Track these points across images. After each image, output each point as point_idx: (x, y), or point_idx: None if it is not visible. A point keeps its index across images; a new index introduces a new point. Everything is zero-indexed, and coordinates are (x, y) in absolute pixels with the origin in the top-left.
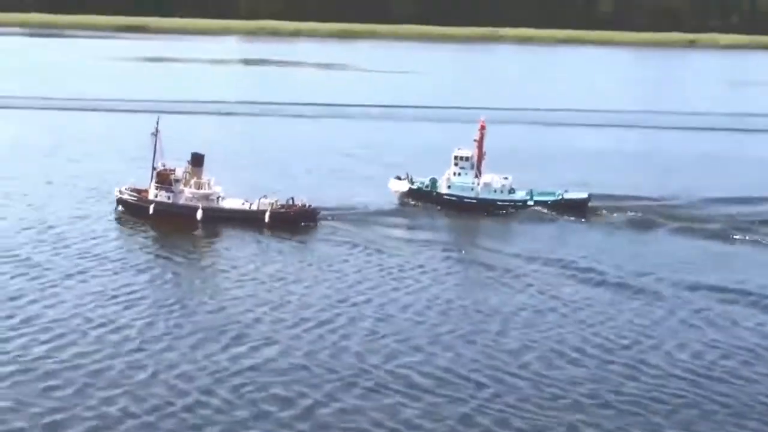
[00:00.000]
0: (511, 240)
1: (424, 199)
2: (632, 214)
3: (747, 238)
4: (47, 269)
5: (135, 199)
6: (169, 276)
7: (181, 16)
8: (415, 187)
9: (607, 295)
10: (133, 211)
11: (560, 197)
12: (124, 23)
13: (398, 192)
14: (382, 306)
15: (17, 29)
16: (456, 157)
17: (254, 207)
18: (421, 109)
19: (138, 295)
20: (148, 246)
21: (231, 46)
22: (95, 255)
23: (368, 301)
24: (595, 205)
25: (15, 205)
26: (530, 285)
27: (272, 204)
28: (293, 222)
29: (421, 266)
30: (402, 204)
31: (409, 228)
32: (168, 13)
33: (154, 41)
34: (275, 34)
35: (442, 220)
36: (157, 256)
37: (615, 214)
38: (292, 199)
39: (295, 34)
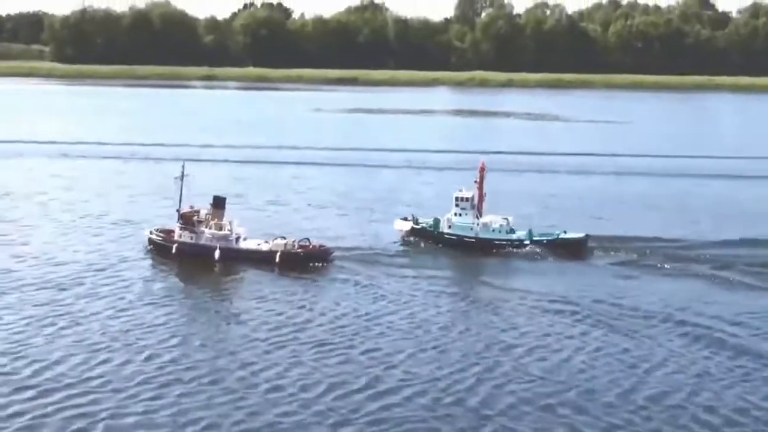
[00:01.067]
0: (507, 279)
1: (426, 238)
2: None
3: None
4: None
5: (161, 238)
6: (196, 314)
7: (392, 68)
8: (418, 227)
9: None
10: (158, 250)
11: (557, 237)
12: (335, 76)
13: (402, 231)
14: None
15: (234, 83)
16: (457, 198)
17: (268, 247)
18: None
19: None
20: (170, 284)
21: (441, 97)
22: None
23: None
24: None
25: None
26: (521, 322)
27: (286, 244)
28: (304, 262)
29: (419, 303)
30: (406, 243)
31: (414, 266)
32: (379, 66)
33: (363, 93)
34: (485, 84)
35: (444, 259)
36: (175, 293)
37: (612, 253)
38: (308, 239)
39: (506, 84)
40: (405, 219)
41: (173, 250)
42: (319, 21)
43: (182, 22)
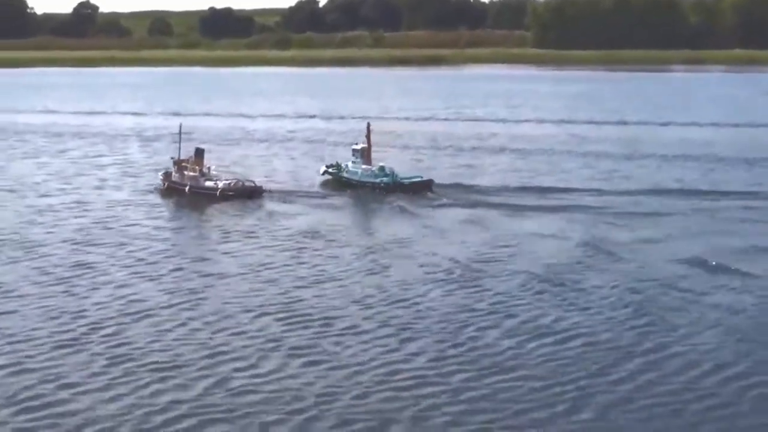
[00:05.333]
0: (348, 215)
1: (333, 181)
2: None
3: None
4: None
5: (162, 179)
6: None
7: None
8: (330, 170)
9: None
10: (161, 187)
11: (405, 180)
12: None
13: (321, 174)
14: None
15: (719, 67)
16: (353, 150)
17: (219, 185)
18: None
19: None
20: (147, 205)
21: None
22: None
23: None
24: (442, 190)
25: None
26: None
27: (230, 183)
28: (237, 197)
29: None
30: (320, 185)
31: (320, 206)
32: None
33: None
34: None
35: (334, 198)
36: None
37: (451, 199)
38: (253, 181)
39: None
40: (329, 165)
41: (165, 186)
42: None
43: (667, 3)
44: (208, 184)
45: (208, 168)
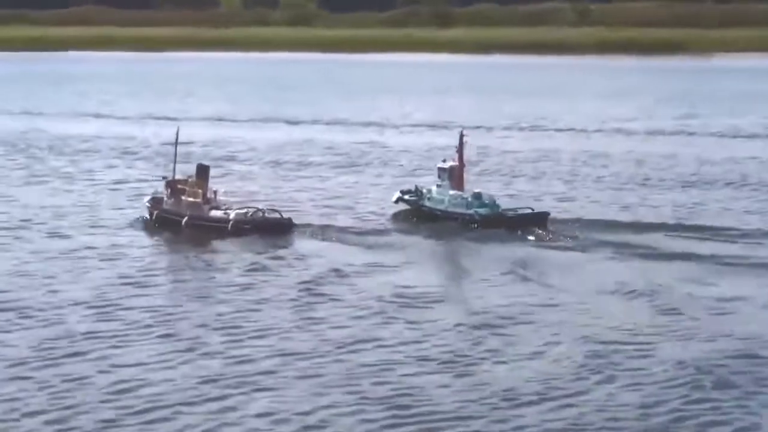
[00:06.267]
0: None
1: (410, 209)
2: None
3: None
4: None
5: (149, 206)
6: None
7: None
8: (405, 197)
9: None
10: (148, 218)
11: (509, 212)
12: None
13: (393, 202)
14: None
15: None
16: (439, 169)
17: (228, 216)
18: None
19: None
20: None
21: None
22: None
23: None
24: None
25: None
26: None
27: (246, 213)
28: (256, 232)
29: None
30: (392, 218)
31: (373, 245)
32: None
33: None
34: None
35: (406, 235)
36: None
37: (572, 239)
38: (278, 211)
39: None
40: (404, 192)
41: (154, 217)
42: None
43: None
44: (215, 213)
45: (215, 192)
